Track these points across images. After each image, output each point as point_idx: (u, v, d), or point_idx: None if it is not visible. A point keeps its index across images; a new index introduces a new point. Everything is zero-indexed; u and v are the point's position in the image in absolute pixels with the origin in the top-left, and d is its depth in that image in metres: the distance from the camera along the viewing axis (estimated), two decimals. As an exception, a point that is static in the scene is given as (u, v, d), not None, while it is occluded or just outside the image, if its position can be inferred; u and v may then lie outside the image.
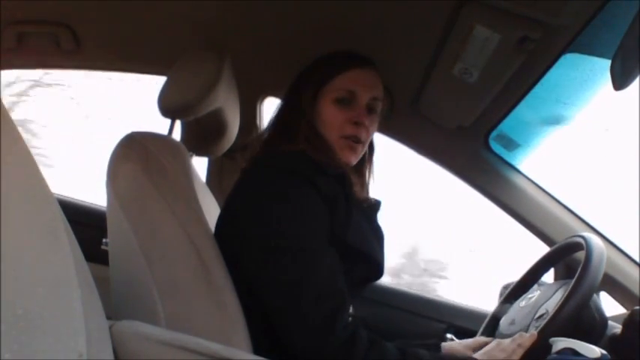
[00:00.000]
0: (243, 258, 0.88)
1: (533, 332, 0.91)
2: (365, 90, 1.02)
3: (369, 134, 1.04)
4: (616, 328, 0.99)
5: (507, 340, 0.91)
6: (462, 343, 1.08)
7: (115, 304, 0.96)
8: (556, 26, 0.95)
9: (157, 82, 1.24)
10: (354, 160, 1.03)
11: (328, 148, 0.99)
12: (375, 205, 1.06)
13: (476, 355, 0.92)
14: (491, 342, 0.96)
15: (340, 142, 1.00)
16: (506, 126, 1.34)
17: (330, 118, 1.00)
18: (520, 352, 0.88)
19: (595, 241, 1.00)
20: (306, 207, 0.88)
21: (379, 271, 0.99)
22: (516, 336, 0.91)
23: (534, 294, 1.09)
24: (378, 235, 1.01)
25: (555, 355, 0.83)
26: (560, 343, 0.84)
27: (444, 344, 1.07)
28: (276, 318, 0.84)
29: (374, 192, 1.10)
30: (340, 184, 0.92)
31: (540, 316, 0.98)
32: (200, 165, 1.51)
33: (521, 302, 1.11)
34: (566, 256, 1.17)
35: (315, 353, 0.81)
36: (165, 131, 1.06)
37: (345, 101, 1.01)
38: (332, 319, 0.81)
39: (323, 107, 1.01)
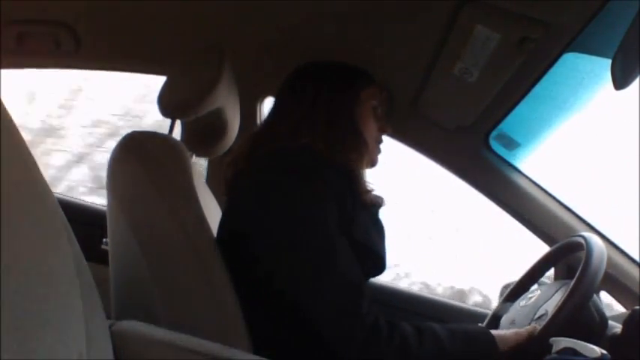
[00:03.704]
0: (259, 256, 0.88)
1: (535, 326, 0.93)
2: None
3: None
4: (616, 327, 0.99)
5: (523, 331, 0.93)
6: None
7: (115, 304, 0.96)
8: (556, 26, 0.95)
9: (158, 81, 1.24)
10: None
11: (344, 144, 1.00)
12: (378, 202, 1.06)
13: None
14: None
15: (375, 146, 1.10)
16: (506, 125, 1.34)
17: (371, 122, 1.09)
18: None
19: (595, 240, 1.00)
20: (320, 200, 0.88)
21: (382, 266, 1.01)
22: (529, 327, 0.94)
23: (534, 294, 1.09)
24: (379, 230, 1.02)
25: (555, 355, 0.83)
26: (560, 343, 0.84)
27: None
28: (301, 312, 0.84)
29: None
30: (346, 179, 0.93)
31: (540, 317, 0.98)
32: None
33: (522, 302, 1.11)
34: (567, 256, 1.17)
35: (343, 341, 0.81)
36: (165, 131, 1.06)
37: (378, 110, 1.11)
38: (355, 306, 0.82)
39: (363, 109, 1.08)
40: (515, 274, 1.24)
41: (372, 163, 1.11)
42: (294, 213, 0.87)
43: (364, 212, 0.97)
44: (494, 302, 1.35)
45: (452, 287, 2.58)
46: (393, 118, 1.33)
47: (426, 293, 1.67)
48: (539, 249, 1.38)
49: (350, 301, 0.83)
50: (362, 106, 1.08)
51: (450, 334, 0.86)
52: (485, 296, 2.53)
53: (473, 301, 2.37)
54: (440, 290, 2.51)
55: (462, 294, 2.54)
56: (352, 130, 1.04)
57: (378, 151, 1.12)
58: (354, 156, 1.01)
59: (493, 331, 0.92)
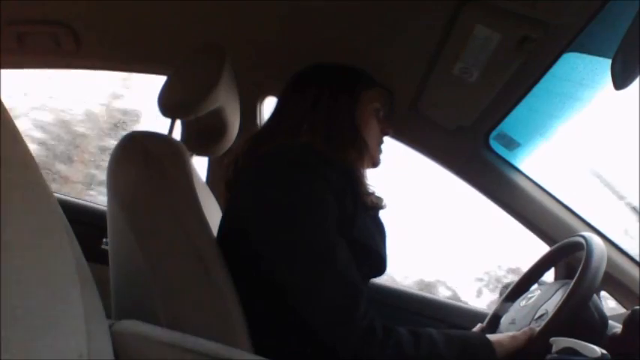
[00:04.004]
0: (259, 255, 0.88)
1: (533, 328, 0.92)
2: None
3: None
4: (616, 327, 0.99)
5: (520, 335, 0.92)
6: None
7: (115, 304, 0.96)
8: (556, 26, 0.95)
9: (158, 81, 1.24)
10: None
11: (344, 143, 1.01)
12: (379, 204, 1.06)
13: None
14: None
15: (377, 147, 1.12)
16: (506, 125, 1.34)
17: (373, 124, 1.11)
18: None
19: (595, 240, 1.00)
20: (321, 199, 0.88)
21: (383, 266, 1.00)
22: (526, 329, 0.93)
23: (534, 294, 1.09)
24: (380, 230, 1.02)
25: (555, 355, 0.83)
26: (561, 343, 0.84)
27: None
28: (299, 312, 0.84)
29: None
30: (346, 178, 0.93)
31: (540, 317, 0.98)
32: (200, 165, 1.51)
33: (522, 302, 1.11)
34: (567, 256, 1.17)
35: (339, 341, 0.81)
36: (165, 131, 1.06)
37: (380, 112, 1.12)
38: (353, 306, 0.82)
39: (364, 111, 1.09)
40: (489, 269, 1.24)
41: (375, 164, 1.12)
42: (294, 212, 0.87)
43: (365, 212, 0.97)
44: (462, 296, 1.34)
45: (421, 281, 2.60)
46: (393, 118, 1.34)
47: (426, 293, 1.67)
48: (540, 249, 1.38)
49: (347, 301, 0.82)
50: (363, 108, 1.08)
51: (447, 340, 0.86)
52: (452, 289, 2.56)
53: (441, 295, 2.38)
54: (408, 282, 2.53)
55: (430, 287, 2.57)
56: (352, 130, 1.04)
57: (380, 151, 1.13)
58: (354, 155, 1.01)
59: (491, 336, 0.92)
